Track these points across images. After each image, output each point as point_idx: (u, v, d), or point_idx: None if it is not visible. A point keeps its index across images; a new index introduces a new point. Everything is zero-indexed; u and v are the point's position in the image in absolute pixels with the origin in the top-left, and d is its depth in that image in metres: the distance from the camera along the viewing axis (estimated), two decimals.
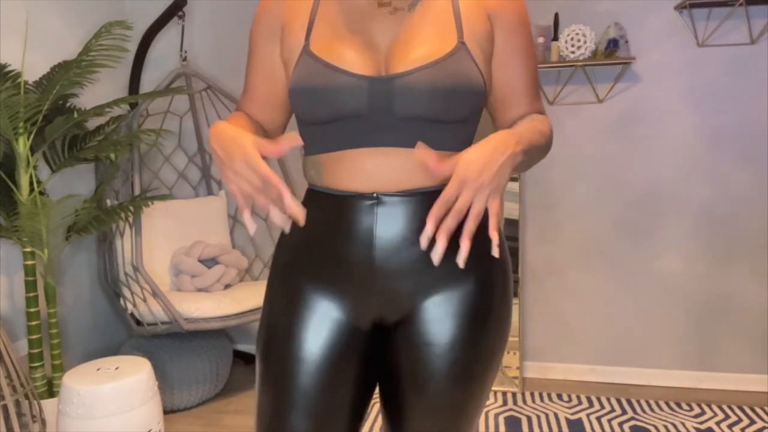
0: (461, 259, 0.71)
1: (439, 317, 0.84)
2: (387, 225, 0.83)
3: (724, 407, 2.41)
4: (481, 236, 0.74)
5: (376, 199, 0.83)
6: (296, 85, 0.86)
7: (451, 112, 0.83)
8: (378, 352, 0.90)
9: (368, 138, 0.84)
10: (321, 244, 0.88)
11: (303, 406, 0.84)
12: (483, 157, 0.72)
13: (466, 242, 0.71)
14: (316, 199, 0.90)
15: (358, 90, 0.82)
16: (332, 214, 0.87)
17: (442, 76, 0.81)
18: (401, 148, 0.83)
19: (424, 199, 0.83)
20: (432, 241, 0.73)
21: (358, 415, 0.91)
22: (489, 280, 0.87)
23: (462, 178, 0.70)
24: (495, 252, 0.74)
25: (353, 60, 0.84)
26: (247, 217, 0.74)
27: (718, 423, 2.27)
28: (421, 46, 0.84)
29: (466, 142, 0.90)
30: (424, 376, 0.85)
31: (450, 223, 0.71)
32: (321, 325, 0.86)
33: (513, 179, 2.68)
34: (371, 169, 0.84)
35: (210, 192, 2.96)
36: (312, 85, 0.84)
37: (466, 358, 0.85)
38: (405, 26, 0.86)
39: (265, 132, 0.98)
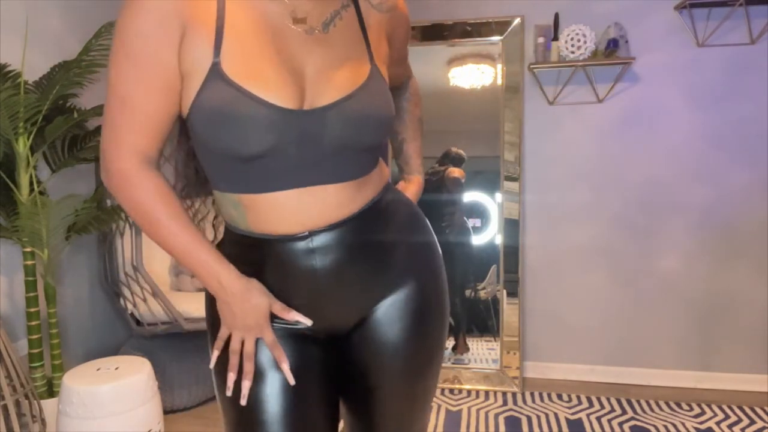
0: None
1: (389, 320, 0.89)
2: (325, 257, 0.83)
3: (724, 407, 2.41)
4: (416, 246, 0.92)
5: (308, 237, 0.82)
6: (205, 110, 0.74)
7: (379, 136, 0.84)
8: (336, 364, 0.92)
9: (294, 177, 0.79)
10: (274, 293, 0.85)
11: (277, 423, 0.83)
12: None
13: None
14: (245, 242, 0.85)
15: (285, 125, 0.75)
16: (265, 256, 0.83)
17: (369, 101, 0.81)
18: (327, 185, 0.81)
19: (353, 223, 0.85)
20: (385, 251, 0.90)
21: (333, 426, 0.92)
22: (427, 284, 0.93)
23: None
24: None
25: (277, 89, 0.75)
26: (231, 380, 0.84)
27: (718, 423, 2.27)
28: (342, 73, 0.80)
29: (380, 156, 0.93)
30: (380, 373, 0.90)
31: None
32: (279, 341, 0.86)
33: (513, 179, 2.68)
34: (300, 213, 0.81)
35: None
36: (227, 114, 0.73)
37: (416, 351, 0.91)
38: (323, 48, 0.81)
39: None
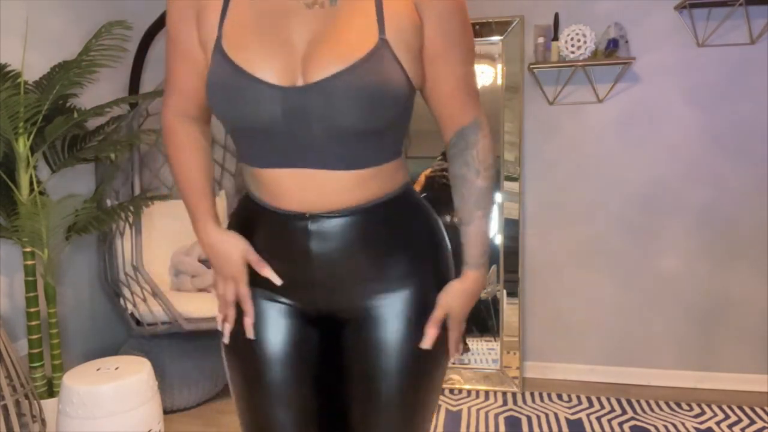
0: (426, 345, 0.87)
1: (388, 317, 0.87)
2: (321, 243, 0.84)
3: (724, 407, 2.41)
4: (419, 246, 0.89)
5: (307, 219, 0.83)
6: (210, 82, 0.81)
7: (372, 120, 0.77)
8: (333, 350, 0.92)
9: (289, 157, 0.80)
10: (262, 252, 0.88)
11: (279, 398, 0.88)
12: (464, 308, 0.91)
13: (432, 331, 0.88)
14: (253, 208, 0.90)
15: (271, 101, 0.76)
16: (268, 228, 0.88)
17: (360, 81, 0.74)
18: (325, 170, 0.80)
19: (354, 216, 0.83)
20: (386, 252, 0.87)
21: (335, 407, 0.92)
22: (429, 282, 0.90)
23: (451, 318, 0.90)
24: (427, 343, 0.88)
25: (267, 65, 0.76)
26: (227, 329, 0.91)
27: (718, 423, 2.27)
28: (338, 47, 0.76)
29: (393, 152, 0.85)
30: (376, 373, 0.87)
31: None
32: (276, 326, 0.90)
33: (513, 179, 2.68)
34: (297, 193, 0.82)
35: None
36: (225, 87, 0.78)
37: (415, 352, 0.88)
38: (323, 23, 0.78)
39: (207, 130, 0.95)
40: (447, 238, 0.95)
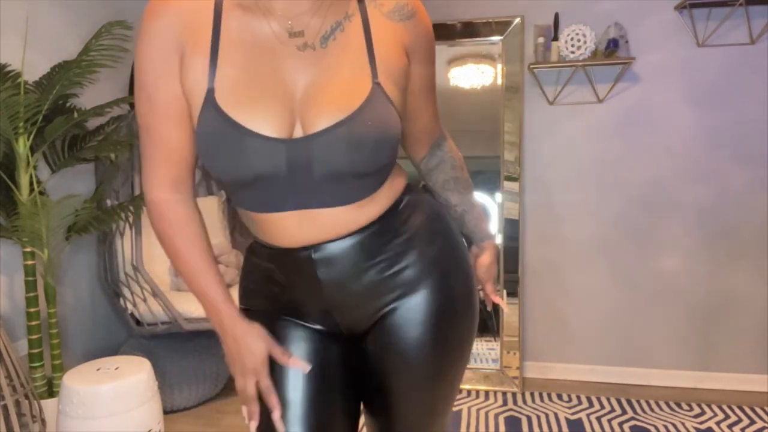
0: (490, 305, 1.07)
1: (406, 325, 0.86)
2: (327, 269, 0.84)
3: (724, 407, 2.41)
4: (435, 247, 0.89)
5: (309, 249, 0.83)
6: (201, 137, 0.76)
7: (373, 162, 0.79)
8: (357, 361, 0.92)
9: (288, 201, 0.80)
10: (277, 290, 0.89)
11: (296, 418, 0.84)
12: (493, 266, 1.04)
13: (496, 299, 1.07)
14: (257, 248, 0.91)
15: (274, 154, 0.75)
16: (276, 263, 0.88)
17: (362, 127, 0.75)
18: (324, 209, 0.80)
19: (354, 236, 0.83)
20: (394, 259, 0.87)
21: (352, 424, 0.93)
22: (449, 284, 0.90)
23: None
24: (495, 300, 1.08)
25: (265, 119, 0.74)
26: (253, 426, 0.84)
27: (718, 423, 2.27)
28: (335, 96, 0.76)
29: (384, 180, 0.86)
30: (398, 377, 0.88)
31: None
32: (298, 341, 0.88)
33: (513, 179, 2.68)
34: (298, 233, 0.82)
35: (210, 192, 2.96)
36: (219, 142, 0.75)
37: (435, 358, 0.88)
38: (317, 67, 0.78)
39: (199, 212, 0.87)
40: (450, 219, 0.96)
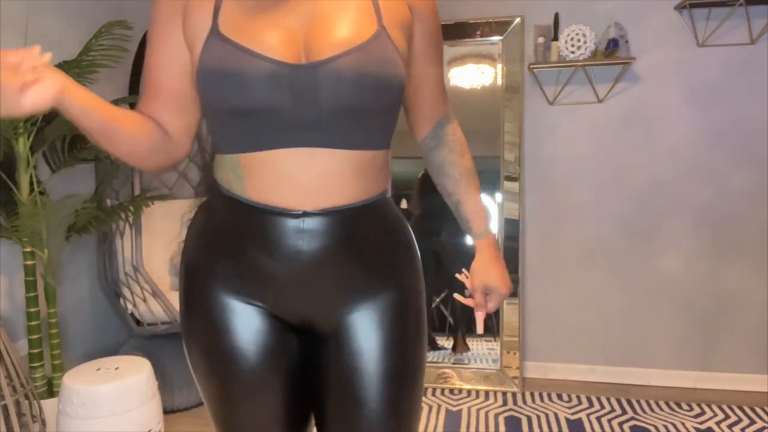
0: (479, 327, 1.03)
1: (366, 328, 0.86)
2: (312, 241, 0.82)
3: (724, 407, 2.41)
4: (396, 255, 0.90)
5: (302, 216, 0.81)
6: (205, 68, 0.78)
7: (379, 100, 0.80)
8: (311, 359, 0.90)
9: (292, 136, 0.78)
10: (240, 254, 0.84)
11: (248, 392, 0.85)
12: (501, 273, 0.99)
13: (479, 314, 1.02)
14: (233, 207, 0.85)
15: (278, 78, 0.76)
16: (253, 226, 0.83)
17: (368, 61, 0.77)
18: (329, 149, 0.79)
19: (347, 214, 0.83)
20: (370, 252, 0.86)
21: (304, 409, 0.92)
22: (405, 290, 0.90)
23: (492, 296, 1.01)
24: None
25: (272, 43, 0.76)
26: None
27: (718, 423, 2.27)
28: (343, 29, 0.78)
29: (387, 136, 0.87)
30: (358, 384, 0.86)
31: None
32: (250, 327, 0.85)
33: (513, 179, 2.68)
34: (298, 176, 0.79)
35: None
36: (224, 69, 0.76)
37: (395, 360, 0.87)
38: (320, 8, 0.80)
39: (165, 137, 0.86)
40: (408, 227, 0.96)
